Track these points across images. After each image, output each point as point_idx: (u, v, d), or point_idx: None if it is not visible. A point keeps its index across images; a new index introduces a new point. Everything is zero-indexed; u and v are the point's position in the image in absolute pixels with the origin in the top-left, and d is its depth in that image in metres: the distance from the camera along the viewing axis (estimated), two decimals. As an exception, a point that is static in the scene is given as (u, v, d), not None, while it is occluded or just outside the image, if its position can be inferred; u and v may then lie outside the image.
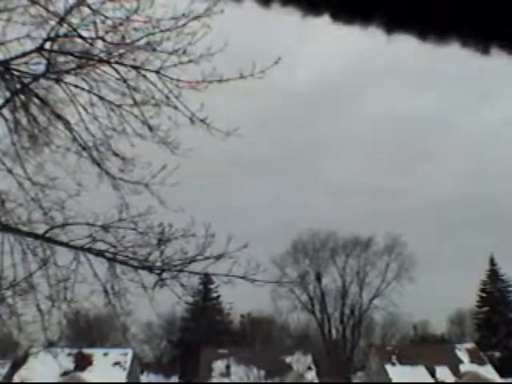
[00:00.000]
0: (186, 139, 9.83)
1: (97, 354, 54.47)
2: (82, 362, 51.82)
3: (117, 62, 9.32)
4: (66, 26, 9.12)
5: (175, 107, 9.31)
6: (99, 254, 9.88)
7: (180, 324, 69.39)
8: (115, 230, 9.77)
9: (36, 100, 9.80)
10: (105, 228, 9.78)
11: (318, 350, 62.69)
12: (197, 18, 8.78)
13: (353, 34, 1.78)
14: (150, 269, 9.75)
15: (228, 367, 54.39)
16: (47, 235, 9.92)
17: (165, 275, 9.70)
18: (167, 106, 9.35)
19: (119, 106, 9.55)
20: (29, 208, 9.97)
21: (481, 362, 55.86)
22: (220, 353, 54.88)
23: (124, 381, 51.55)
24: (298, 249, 67.54)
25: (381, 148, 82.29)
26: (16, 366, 48.32)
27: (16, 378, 47.98)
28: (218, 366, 54.76)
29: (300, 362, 54.30)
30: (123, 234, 9.79)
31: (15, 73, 9.49)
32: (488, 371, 54.48)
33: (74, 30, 9.15)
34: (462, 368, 54.59)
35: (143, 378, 62.44)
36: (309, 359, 55.42)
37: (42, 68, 9.51)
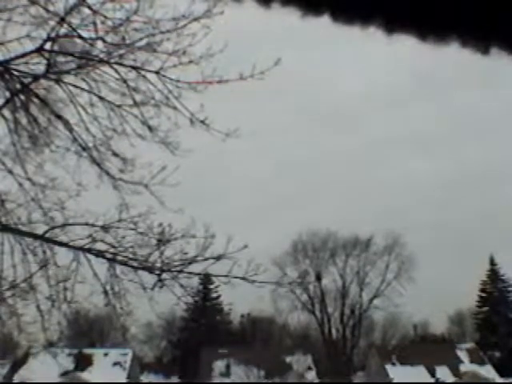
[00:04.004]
0: (186, 140, 9.85)
1: (97, 353, 54.52)
2: (82, 362, 51.87)
3: (117, 63, 9.31)
4: (66, 26, 9.13)
5: (175, 108, 9.31)
6: (99, 254, 9.87)
7: (180, 324, 69.37)
8: (115, 230, 9.77)
9: (36, 100, 9.80)
10: (105, 228, 9.78)
11: (317, 350, 62.68)
12: (197, 19, 8.78)
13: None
14: (150, 269, 9.74)
15: (228, 367, 54.41)
16: (47, 235, 9.92)
17: (164, 276, 9.70)
18: (167, 107, 9.35)
19: (119, 107, 9.55)
20: (29, 208, 9.98)
21: (481, 362, 55.89)
22: (220, 353, 54.88)
23: (124, 381, 51.57)
24: (297, 249, 67.57)
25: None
26: (16, 366, 48.31)
27: (16, 378, 47.98)
28: (218, 366, 54.78)
29: (300, 362, 54.30)
30: (123, 235, 9.80)
31: (15, 73, 9.49)
32: (488, 371, 54.50)
33: (74, 30, 9.15)
34: (462, 368, 54.61)
35: (143, 378, 62.43)
36: (309, 359, 55.43)
37: (42, 68, 9.51)
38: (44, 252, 9.95)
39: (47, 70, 9.48)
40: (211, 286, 62.13)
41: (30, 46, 9.29)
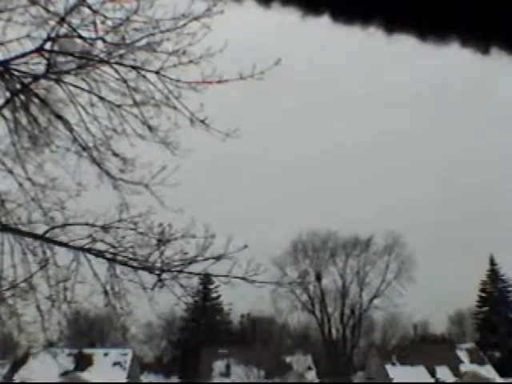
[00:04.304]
0: (186, 140, 9.85)
1: (97, 353, 54.53)
2: (82, 362, 51.89)
3: (117, 63, 9.32)
4: (66, 26, 9.13)
5: (175, 108, 9.32)
6: (99, 254, 9.87)
7: (180, 324, 69.37)
8: (115, 230, 9.77)
9: (36, 100, 9.80)
10: (105, 228, 9.78)
11: (317, 350, 62.69)
12: (197, 18, 8.78)
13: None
14: (150, 269, 9.74)
15: (228, 367, 54.42)
16: (47, 235, 9.92)
17: (164, 276, 9.70)
18: (167, 107, 9.35)
19: (119, 107, 9.55)
20: (29, 208, 9.98)
21: (481, 362, 55.91)
22: (220, 353, 54.90)
23: (124, 381, 51.57)
24: (297, 249, 67.61)
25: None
26: (16, 365, 48.32)
27: (16, 378, 47.99)
28: (218, 366, 54.79)
29: (300, 362, 54.31)
30: (123, 235, 9.80)
31: (15, 73, 9.49)
32: (488, 371, 54.52)
33: (74, 30, 9.15)
34: (462, 368, 54.63)
35: (143, 378, 62.44)
36: (309, 359, 55.44)
37: (42, 68, 9.51)
38: (44, 252, 9.95)
39: (47, 70, 9.48)
40: (211, 286, 62.13)
41: (30, 45, 9.30)
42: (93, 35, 9.18)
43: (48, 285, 9.96)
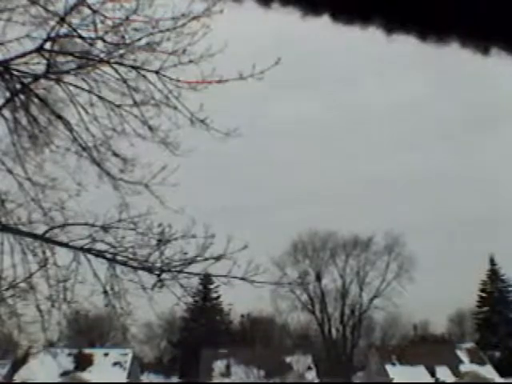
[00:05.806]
0: (186, 140, 9.85)
1: (97, 353, 54.52)
2: (82, 362, 51.88)
3: (117, 63, 9.32)
4: (66, 26, 9.14)
5: (175, 107, 9.32)
6: (99, 254, 9.87)
7: (180, 324, 69.36)
8: (115, 230, 9.77)
9: (36, 100, 9.81)
10: (105, 228, 9.77)
11: (318, 350, 62.69)
12: (196, 18, 8.79)
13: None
14: (150, 269, 9.74)
15: (228, 367, 54.41)
16: (47, 235, 9.92)
17: (164, 276, 9.70)
18: (167, 107, 9.36)
19: (119, 106, 9.56)
20: (29, 208, 9.98)
21: (481, 362, 55.89)
22: (220, 353, 54.89)
23: (124, 381, 51.57)
24: (297, 249, 67.59)
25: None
26: (16, 365, 48.34)
27: (16, 378, 48.01)
28: (218, 366, 54.79)
29: (300, 362, 54.31)
30: (123, 235, 9.80)
31: (15, 73, 9.49)
32: (488, 371, 54.51)
33: (74, 30, 9.16)
34: (462, 368, 54.62)
35: (143, 378, 62.44)
36: (309, 359, 55.43)
37: (42, 68, 9.52)
38: (44, 252, 9.95)
39: (47, 70, 9.49)
40: (211, 286, 62.14)
41: (30, 45, 9.31)
42: (93, 35, 9.19)
43: (48, 285, 9.96)
